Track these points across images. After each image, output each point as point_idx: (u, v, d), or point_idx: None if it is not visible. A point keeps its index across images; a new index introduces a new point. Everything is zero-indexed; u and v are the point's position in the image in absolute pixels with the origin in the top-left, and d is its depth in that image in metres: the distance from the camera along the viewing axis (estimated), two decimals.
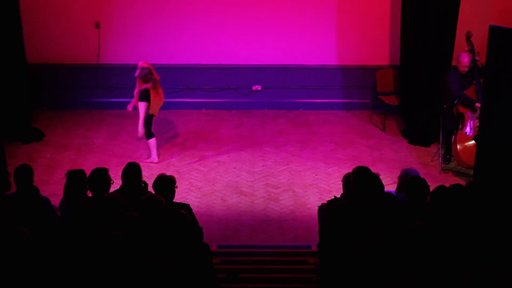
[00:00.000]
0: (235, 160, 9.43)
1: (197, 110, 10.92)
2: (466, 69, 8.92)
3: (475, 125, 8.67)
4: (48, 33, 10.68)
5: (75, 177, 6.26)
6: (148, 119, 9.03)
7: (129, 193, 6.08)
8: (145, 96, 8.95)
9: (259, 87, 11.00)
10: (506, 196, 5.65)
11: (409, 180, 5.88)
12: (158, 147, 9.40)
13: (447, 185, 5.73)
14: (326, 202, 6.50)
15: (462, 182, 7.80)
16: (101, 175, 6.21)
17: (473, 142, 8.69)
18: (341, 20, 10.68)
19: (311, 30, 10.71)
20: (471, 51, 9.01)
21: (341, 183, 6.55)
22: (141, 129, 9.02)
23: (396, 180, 6.73)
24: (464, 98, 8.86)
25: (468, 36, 9.08)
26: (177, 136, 10.16)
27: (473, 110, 8.76)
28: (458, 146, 8.86)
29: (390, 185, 7.77)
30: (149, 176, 7.94)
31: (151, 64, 9.08)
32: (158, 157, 9.29)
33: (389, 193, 6.04)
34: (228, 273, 5.98)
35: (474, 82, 8.89)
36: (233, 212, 8.23)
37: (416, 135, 10.02)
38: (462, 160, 8.87)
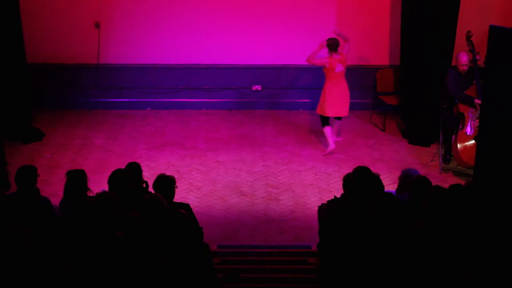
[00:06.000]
0: (235, 160, 9.42)
1: (197, 110, 10.92)
2: (465, 68, 8.91)
3: (475, 125, 8.66)
4: (48, 33, 10.67)
5: (75, 177, 6.25)
6: None
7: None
8: None
9: (259, 87, 10.99)
10: (506, 196, 5.65)
11: (415, 180, 5.87)
12: (158, 147, 9.39)
13: (447, 185, 5.73)
14: (326, 202, 6.51)
15: (462, 182, 7.79)
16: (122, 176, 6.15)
17: (473, 142, 8.69)
18: (341, 20, 10.67)
19: (311, 30, 10.69)
20: (471, 51, 9.00)
21: (341, 183, 6.56)
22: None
23: (396, 180, 6.73)
24: (463, 97, 8.86)
25: (468, 36, 9.08)
26: (177, 136, 10.15)
27: (473, 107, 8.76)
28: (458, 146, 8.85)
29: (390, 185, 7.77)
30: (149, 176, 7.94)
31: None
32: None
33: (389, 193, 6.03)
34: (228, 273, 5.98)
35: (474, 82, 8.89)
36: (233, 212, 8.22)
37: (416, 135, 10.01)
38: (462, 160, 8.87)
